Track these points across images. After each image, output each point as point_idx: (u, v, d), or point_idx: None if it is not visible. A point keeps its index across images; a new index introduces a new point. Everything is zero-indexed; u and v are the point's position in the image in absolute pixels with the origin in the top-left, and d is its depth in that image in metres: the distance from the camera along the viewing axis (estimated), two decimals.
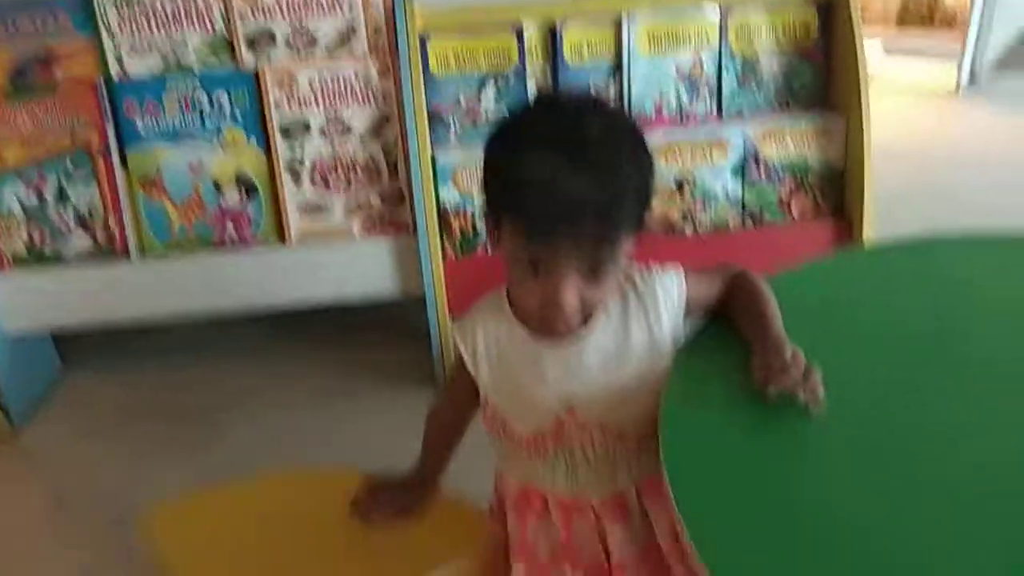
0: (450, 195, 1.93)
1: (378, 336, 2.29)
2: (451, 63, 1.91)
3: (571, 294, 0.85)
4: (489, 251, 1.96)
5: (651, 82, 1.98)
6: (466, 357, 0.99)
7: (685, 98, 2.01)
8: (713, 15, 1.97)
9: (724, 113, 2.03)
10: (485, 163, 0.89)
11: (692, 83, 2.00)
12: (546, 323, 0.90)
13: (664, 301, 0.96)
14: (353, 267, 1.97)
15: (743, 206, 2.02)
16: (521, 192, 0.82)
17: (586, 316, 0.92)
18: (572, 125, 0.83)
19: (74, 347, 2.29)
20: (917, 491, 0.76)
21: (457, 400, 1.08)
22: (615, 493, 1.00)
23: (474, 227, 1.95)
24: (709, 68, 1.99)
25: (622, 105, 0.81)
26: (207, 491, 1.23)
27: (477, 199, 1.93)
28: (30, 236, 1.93)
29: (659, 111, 2.00)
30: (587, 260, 0.84)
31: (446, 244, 1.95)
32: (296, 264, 1.96)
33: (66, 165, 1.89)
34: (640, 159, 0.87)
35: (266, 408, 2.05)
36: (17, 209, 1.91)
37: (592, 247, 0.83)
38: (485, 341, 0.98)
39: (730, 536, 0.73)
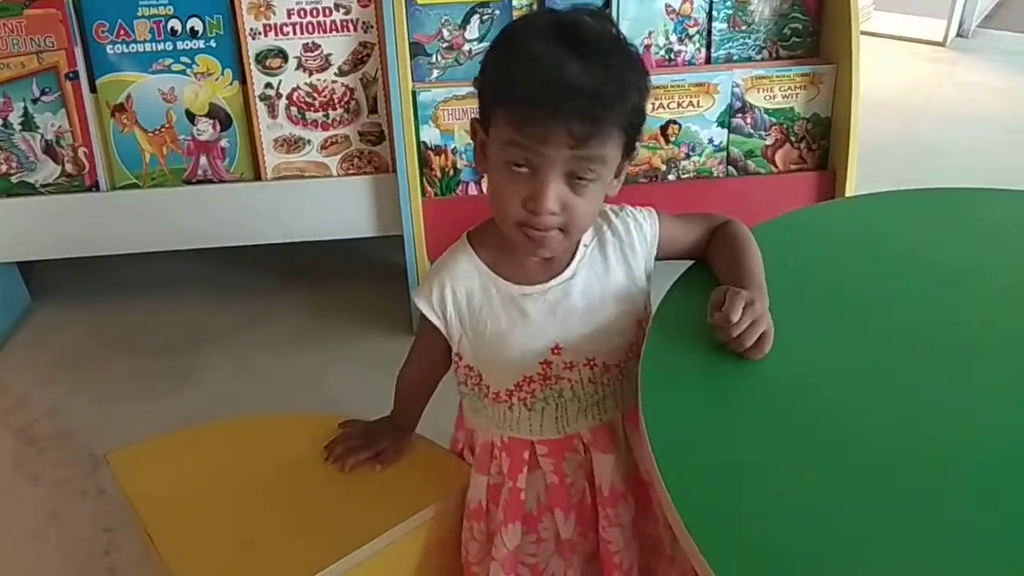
0: (431, 133, 1.88)
1: (354, 275, 2.25)
2: None
3: (553, 195, 0.82)
4: (471, 188, 1.93)
5: (641, 22, 1.93)
6: (435, 322, 0.97)
7: (674, 40, 1.96)
8: None
9: (713, 58, 1.99)
10: (482, 64, 0.87)
11: (682, 25, 1.95)
12: (522, 239, 0.87)
13: (637, 235, 0.96)
14: (330, 204, 1.92)
15: (727, 155, 2.00)
16: (518, 74, 0.81)
17: (564, 246, 0.90)
18: (573, 24, 0.82)
19: (43, 279, 2.24)
20: (875, 442, 0.77)
21: (425, 361, 1.06)
22: (604, 423, 1.01)
23: (455, 166, 1.91)
24: (700, 10, 1.95)
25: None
26: (177, 433, 1.20)
27: (458, 137, 1.88)
28: None
29: (647, 52, 1.95)
30: (574, 156, 0.81)
31: (425, 183, 1.91)
32: (271, 200, 1.92)
33: (32, 90, 1.82)
34: (638, 70, 0.85)
35: (239, 345, 2.02)
36: None
37: (582, 138, 0.80)
38: (455, 300, 0.95)
39: (699, 474, 0.74)
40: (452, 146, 1.90)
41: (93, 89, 1.84)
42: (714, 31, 1.97)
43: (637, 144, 0.88)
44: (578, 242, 0.94)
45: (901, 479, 0.73)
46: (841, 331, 0.92)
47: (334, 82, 1.86)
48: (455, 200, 1.93)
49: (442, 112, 1.86)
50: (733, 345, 0.85)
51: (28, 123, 1.85)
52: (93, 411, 1.84)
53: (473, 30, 1.88)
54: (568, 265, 0.94)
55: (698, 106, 1.93)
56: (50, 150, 1.87)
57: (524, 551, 1.05)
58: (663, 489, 0.72)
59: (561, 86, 0.78)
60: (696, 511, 0.70)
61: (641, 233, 0.96)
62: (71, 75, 1.82)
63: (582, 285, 0.94)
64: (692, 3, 1.94)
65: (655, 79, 1.85)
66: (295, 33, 1.82)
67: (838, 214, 1.24)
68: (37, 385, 1.93)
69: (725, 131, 1.97)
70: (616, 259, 0.95)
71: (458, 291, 0.95)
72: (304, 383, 1.89)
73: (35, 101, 1.83)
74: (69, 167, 1.89)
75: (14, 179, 1.89)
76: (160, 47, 1.82)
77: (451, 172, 1.91)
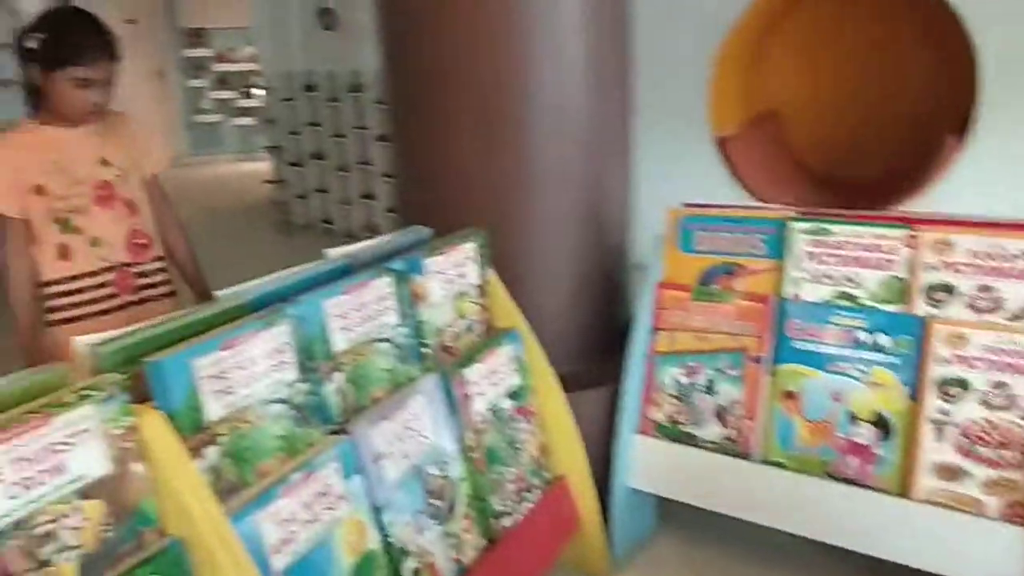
0: None
1: None
2: None
3: None
4: None
5: None
6: None
7: None
8: None
9: None
10: None
11: None
12: None
13: None
14: (979, 545, 1.80)
15: None
16: None
17: None
18: None
19: (669, 506, 2.47)
20: None
21: None
22: None
23: None
24: None
25: None
26: None
27: None
28: (673, 413, 2.17)
29: None
30: None
31: None
32: (912, 521, 1.87)
33: (721, 362, 2.09)
34: None
35: None
36: (672, 387, 2.17)
37: None
38: None
39: None
40: None
41: (771, 373, 2.04)
42: None
43: None
44: None
45: None
46: None
47: (1015, 423, 1.77)
48: None
49: None
50: None
51: (709, 388, 2.12)
52: None
53: None
54: None
55: None
56: (719, 414, 2.11)
57: None
58: None
59: None
60: None
61: None
62: (757, 358, 2.04)
63: None
64: None
65: None
66: (986, 369, 1.79)
67: None
68: None
69: None
70: None
71: None
72: None
73: (720, 371, 2.10)
74: (730, 432, 2.10)
75: (682, 428, 2.17)
76: (842, 352, 1.95)
77: None
